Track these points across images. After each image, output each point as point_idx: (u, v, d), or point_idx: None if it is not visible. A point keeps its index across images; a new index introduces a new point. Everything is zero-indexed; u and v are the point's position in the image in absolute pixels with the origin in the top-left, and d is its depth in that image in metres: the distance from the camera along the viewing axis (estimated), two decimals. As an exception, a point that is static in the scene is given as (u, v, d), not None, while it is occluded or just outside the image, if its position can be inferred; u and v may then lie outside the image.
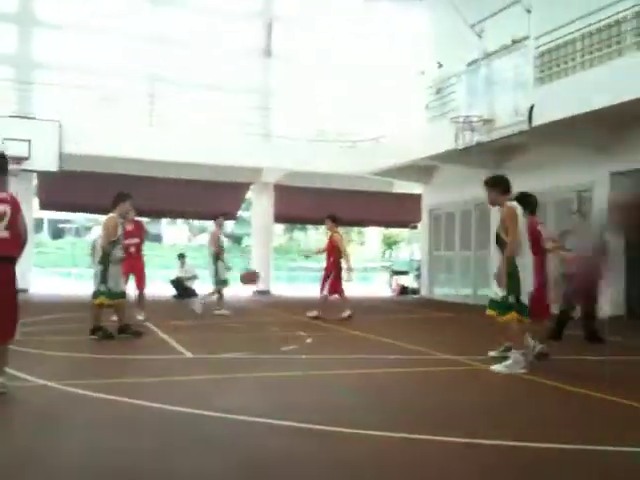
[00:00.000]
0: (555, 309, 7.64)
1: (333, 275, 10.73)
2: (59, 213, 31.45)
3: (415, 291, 18.56)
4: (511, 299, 5.81)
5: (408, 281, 19.66)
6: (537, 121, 10.91)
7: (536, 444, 3.62)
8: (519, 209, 5.97)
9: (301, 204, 18.29)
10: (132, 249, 9.36)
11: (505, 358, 6.01)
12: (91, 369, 6.05)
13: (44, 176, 15.86)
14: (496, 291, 5.96)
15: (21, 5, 16.78)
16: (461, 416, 4.35)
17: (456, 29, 14.14)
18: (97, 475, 3.13)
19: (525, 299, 5.85)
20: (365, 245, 41.47)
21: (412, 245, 21.91)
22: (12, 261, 4.60)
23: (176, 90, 17.49)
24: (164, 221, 39.76)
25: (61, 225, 41.13)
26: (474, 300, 14.70)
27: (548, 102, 10.80)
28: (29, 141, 14.37)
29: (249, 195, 19.58)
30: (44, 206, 18.04)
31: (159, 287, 15.56)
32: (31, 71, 16.69)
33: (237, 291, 13.18)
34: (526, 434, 3.84)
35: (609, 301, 8.94)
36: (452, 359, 6.67)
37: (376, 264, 32.96)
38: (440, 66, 15.88)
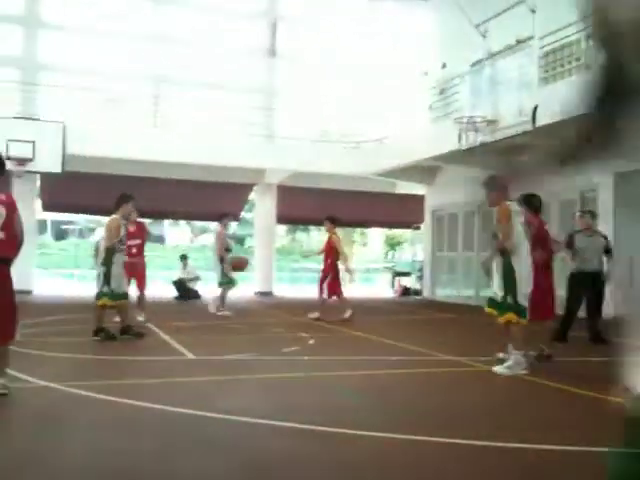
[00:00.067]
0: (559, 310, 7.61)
1: (331, 276, 10.72)
2: (62, 214, 31.49)
3: (417, 292, 18.53)
4: (509, 300, 5.83)
5: (410, 282, 19.64)
6: (541, 121, 10.87)
7: (539, 446, 3.59)
8: (514, 209, 5.99)
9: (304, 205, 18.28)
10: (134, 250, 9.39)
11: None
12: (93, 370, 6.04)
13: (47, 177, 15.87)
14: (495, 291, 5.98)
15: (26, 7, 16.82)
16: (463, 417, 4.33)
17: (460, 29, 14.12)
18: (99, 476, 3.12)
19: (522, 299, 5.86)
20: (368, 246, 41.43)
21: (415, 246, 21.88)
22: (7, 262, 4.58)
23: (180, 91, 17.50)
24: (166, 222, 39.78)
25: (64, 226, 41.19)
26: (476, 301, 14.66)
27: (552, 102, 10.76)
28: (33, 142, 14.38)
29: (252, 196, 19.57)
30: (47, 207, 18.05)
31: (161, 288, 15.57)
32: (35, 72, 16.71)
33: (239, 292, 13.15)
34: (529, 435, 3.81)
35: (614, 301, 8.90)
36: (454, 360, 6.65)
37: (378, 265, 32.93)
38: (444, 66, 15.86)
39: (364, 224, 24.00)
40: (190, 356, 6.70)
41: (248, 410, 4.29)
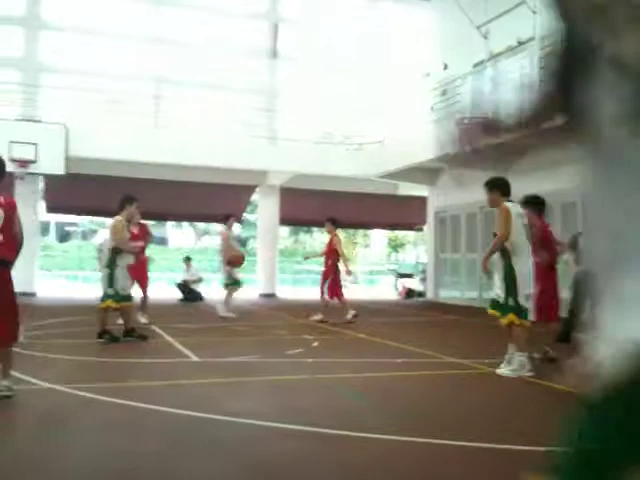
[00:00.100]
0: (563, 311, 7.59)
1: (331, 278, 10.71)
2: (66, 216, 31.54)
3: (421, 294, 18.52)
4: (510, 301, 5.84)
5: (414, 284, 19.62)
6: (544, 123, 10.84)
7: (545, 448, 3.58)
8: (517, 210, 6.00)
9: (307, 207, 18.29)
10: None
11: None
12: (97, 372, 6.04)
13: (50, 179, 15.91)
14: (497, 292, 5.98)
15: (28, 8, 16.86)
16: (468, 420, 4.32)
17: (462, 30, 14.11)
18: (104, 478, 3.12)
19: (523, 301, 5.86)
20: (371, 248, 41.42)
21: (418, 248, 21.87)
22: (7, 265, 4.58)
23: (182, 93, 17.53)
24: (169, 224, 39.82)
25: (68, 228, 41.26)
26: (480, 303, 14.63)
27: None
28: (36, 144, 14.42)
29: (255, 197, 19.59)
30: (51, 209, 18.09)
31: (165, 290, 15.58)
32: (37, 74, 16.76)
33: (243, 294, 13.15)
34: (535, 438, 3.80)
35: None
36: (458, 362, 6.63)
37: (382, 267, 32.92)
38: (446, 67, 15.85)
39: (367, 226, 24.02)
40: (194, 358, 6.69)
41: (252, 412, 4.28)
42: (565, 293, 7.61)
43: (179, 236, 42.42)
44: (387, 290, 21.64)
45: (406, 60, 18.39)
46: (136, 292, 9.43)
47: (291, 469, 3.29)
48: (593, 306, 1.22)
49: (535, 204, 6.59)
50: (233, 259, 11.10)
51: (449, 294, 16.95)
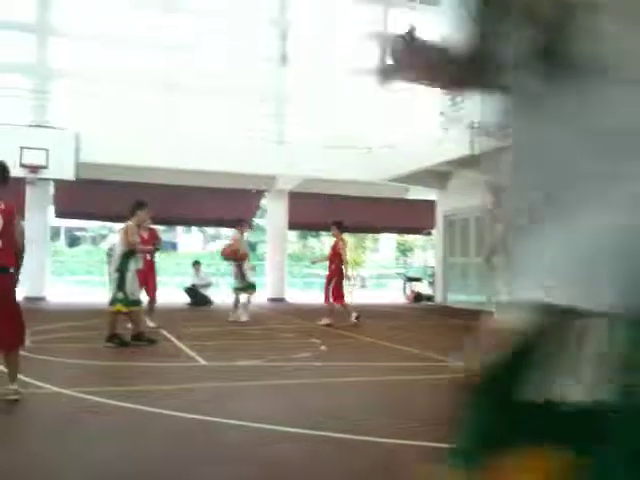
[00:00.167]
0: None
1: (335, 282, 10.71)
2: (76, 221, 31.72)
3: (429, 298, 18.47)
4: None
5: (422, 288, 19.58)
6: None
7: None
8: None
9: (315, 211, 18.29)
10: (147, 257, 9.44)
11: None
12: (106, 376, 6.07)
13: (61, 184, 16.00)
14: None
15: (38, 15, 17.00)
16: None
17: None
18: (110, 483, 3.13)
19: None
20: (379, 252, 41.36)
21: (426, 252, 21.81)
22: (7, 271, 4.59)
23: (192, 98, 17.60)
24: (179, 229, 39.95)
25: (77, 233, 41.49)
26: (489, 307, 14.57)
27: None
28: (47, 150, 14.52)
29: (264, 202, 19.62)
30: (61, 214, 18.18)
31: (174, 294, 15.62)
32: (48, 80, 16.89)
33: (251, 298, 13.14)
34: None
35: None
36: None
37: (390, 271, 32.86)
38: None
39: (375, 230, 23.98)
40: (203, 362, 6.71)
41: (261, 416, 4.28)
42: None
43: (188, 241, 42.56)
44: (396, 294, 21.58)
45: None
46: (144, 296, 9.49)
47: (299, 473, 3.29)
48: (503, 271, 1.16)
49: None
50: (230, 253, 11.22)
51: (458, 298, 16.89)
